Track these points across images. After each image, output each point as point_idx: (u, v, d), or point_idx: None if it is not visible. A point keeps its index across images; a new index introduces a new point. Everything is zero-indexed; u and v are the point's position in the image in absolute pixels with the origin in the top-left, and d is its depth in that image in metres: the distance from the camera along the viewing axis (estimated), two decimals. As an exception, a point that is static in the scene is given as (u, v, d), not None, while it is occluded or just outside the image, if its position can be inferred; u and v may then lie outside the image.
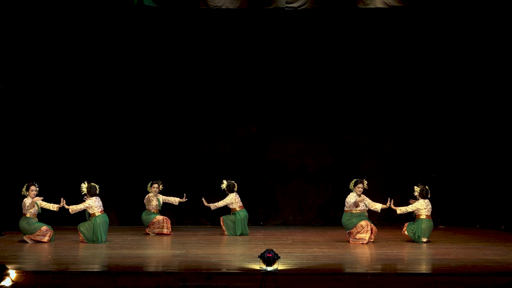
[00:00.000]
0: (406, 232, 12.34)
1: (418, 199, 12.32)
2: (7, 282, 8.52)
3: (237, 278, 8.74)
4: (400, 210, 12.30)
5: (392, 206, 12.23)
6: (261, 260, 8.78)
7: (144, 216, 13.67)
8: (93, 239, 12.03)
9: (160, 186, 13.69)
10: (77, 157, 14.75)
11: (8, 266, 8.71)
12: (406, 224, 12.49)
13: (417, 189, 12.32)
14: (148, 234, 13.54)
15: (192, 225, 15.03)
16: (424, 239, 12.18)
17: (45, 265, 9.75)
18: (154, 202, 13.62)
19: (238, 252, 11.27)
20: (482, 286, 8.61)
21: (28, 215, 12.20)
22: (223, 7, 12.90)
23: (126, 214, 15.05)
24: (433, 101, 15.16)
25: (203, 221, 15.13)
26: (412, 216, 12.48)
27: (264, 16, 14.30)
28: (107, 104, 15.01)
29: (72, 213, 12.16)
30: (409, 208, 12.26)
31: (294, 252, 10.87)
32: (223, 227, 13.51)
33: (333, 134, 15.33)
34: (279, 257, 8.81)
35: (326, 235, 13.41)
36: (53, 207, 12.28)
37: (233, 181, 13.48)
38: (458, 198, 15.04)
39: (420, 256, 10.91)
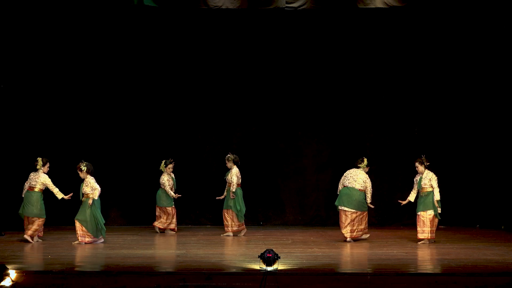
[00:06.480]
0: (433, 213, 12.15)
1: (423, 172, 12.23)
2: (7, 282, 8.52)
3: (237, 278, 8.75)
4: (412, 197, 12.39)
5: (409, 199, 12.36)
6: (261, 260, 8.78)
7: (162, 194, 13.65)
8: (99, 222, 11.97)
9: (173, 163, 13.78)
10: (78, 158, 14.73)
11: (8, 266, 8.72)
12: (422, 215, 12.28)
13: (421, 165, 12.27)
14: (154, 228, 13.59)
15: (192, 225, 15.02)
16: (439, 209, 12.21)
17: (45, 265, 9.76)
18: (171, 182, 13.70)
19: (238, 252, 11.28)
20: (482, 286, 8.61)
21: (37, 190, 12.23)
22: (223, 7, 12.89)
23: (127, 214, 15.04)
24: (433, 101, 15.15)
25: (203, 221, 15.13)
26: (408, 207, 12.51)
27: (264, 16, 14.30)
28: (107, 104, 15.00)
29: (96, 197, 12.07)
30: (436, 188, 12.18)
31: (294, 252, 10.87)
32: (227, 221, 13.35)
33: (332, 134, 15.31)
34: (279, 257, 8.81)
35: (326, 235, 13.41)
36: (58, 193, 12.25)
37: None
38: (458, 198, 15.03)
39: (420, 256, 10.92)
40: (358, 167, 12.50)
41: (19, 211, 12.35)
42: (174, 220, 13.73)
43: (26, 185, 12.38)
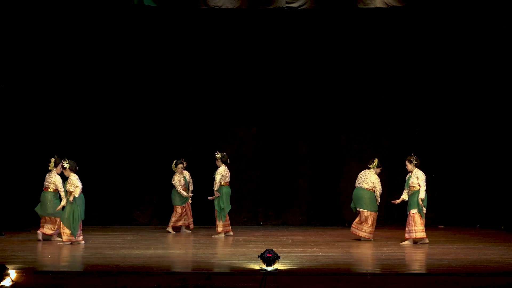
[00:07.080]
0: (416, 212, 12.06)
1: (412, 171, 12.20)
2: (7, 282, 8.52)
3: (237, 278, 8.74)
4: (405, 195, 12.32)
5: (402, 198, 12.30)
6: (261, 260, 8.78)
7: (175, 193, 13.72)
8: (75, 220, 11.82)
9: (184, 163, 13.79)
10: (75, 159, 14.75)
11: (8, 266, 8.71)
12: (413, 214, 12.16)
13: (410, 163, 12.23)
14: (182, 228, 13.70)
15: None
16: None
17: (45, 265, 9.76)
18: (182, 181, 13.72)
19: (238, 252, 11.27)
20: (482, 286, 8.61)
21: (50, 190, 12.30)
22: (223, 7, 12.90)
23: (126, 214, 15.04)
24: (433, 101, 15.16)
25: (203, 221, 15.11)
26: (400, 206, 12.50)
27: (264, 16, 14.29)
28: (110, 104, 15.01)
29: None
30: (422, 186, 12.10)
31: (294, 252, 10.87)
32: (218, 219, 13.33)
33: (332, 134, 15.31)
34: (279, 257, 8.81)
35: (326, 235, 13.42)
36: (64, 198, 12.16)
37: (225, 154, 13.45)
38: (458, 198, 15.04)
39: (420, 256, 10.92)
40: (369, 168, 12.51)
41: (36, 209, 12.44)
42: (186, 217, 13.79)
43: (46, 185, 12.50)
